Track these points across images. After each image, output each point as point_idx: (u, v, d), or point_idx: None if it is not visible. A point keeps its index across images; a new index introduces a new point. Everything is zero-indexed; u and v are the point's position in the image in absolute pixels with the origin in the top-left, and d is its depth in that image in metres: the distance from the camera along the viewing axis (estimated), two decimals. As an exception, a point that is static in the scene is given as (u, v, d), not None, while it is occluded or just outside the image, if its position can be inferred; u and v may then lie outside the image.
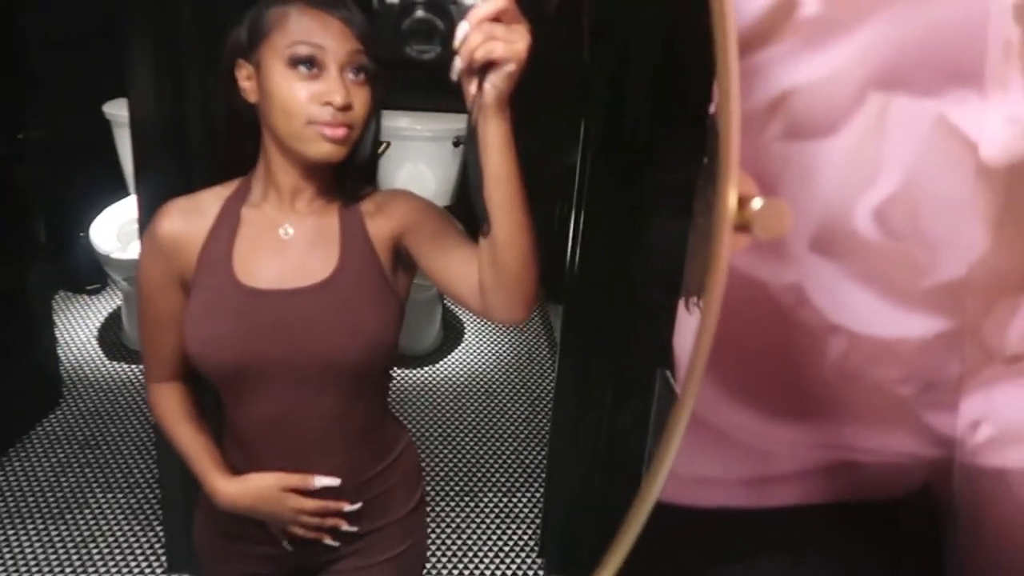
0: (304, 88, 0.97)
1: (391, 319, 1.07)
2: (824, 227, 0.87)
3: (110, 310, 3.15)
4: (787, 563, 0.99)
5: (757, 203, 0.53)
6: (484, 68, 0.82)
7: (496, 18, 0.81)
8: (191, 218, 1.07)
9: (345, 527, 1.14)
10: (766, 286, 0.88)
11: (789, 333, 0.89)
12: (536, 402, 2.83)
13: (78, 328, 3.04)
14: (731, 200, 0.52)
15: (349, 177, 1.08)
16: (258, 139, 1.05)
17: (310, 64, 0.97)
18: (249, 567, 1.18)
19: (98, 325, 3.07)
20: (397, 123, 2.84)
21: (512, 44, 0.81)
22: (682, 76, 1.31)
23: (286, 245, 1.06)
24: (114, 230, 2.74)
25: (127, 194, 2.98)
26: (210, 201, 1.09)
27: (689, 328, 0.95)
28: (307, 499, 1.10)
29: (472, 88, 0.84)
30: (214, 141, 1.72)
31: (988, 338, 0.92)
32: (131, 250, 2.66)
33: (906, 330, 0.91)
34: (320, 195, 1.07)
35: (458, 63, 0.83)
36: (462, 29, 0.82)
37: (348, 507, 1.13)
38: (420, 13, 0.85)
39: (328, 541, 1.14)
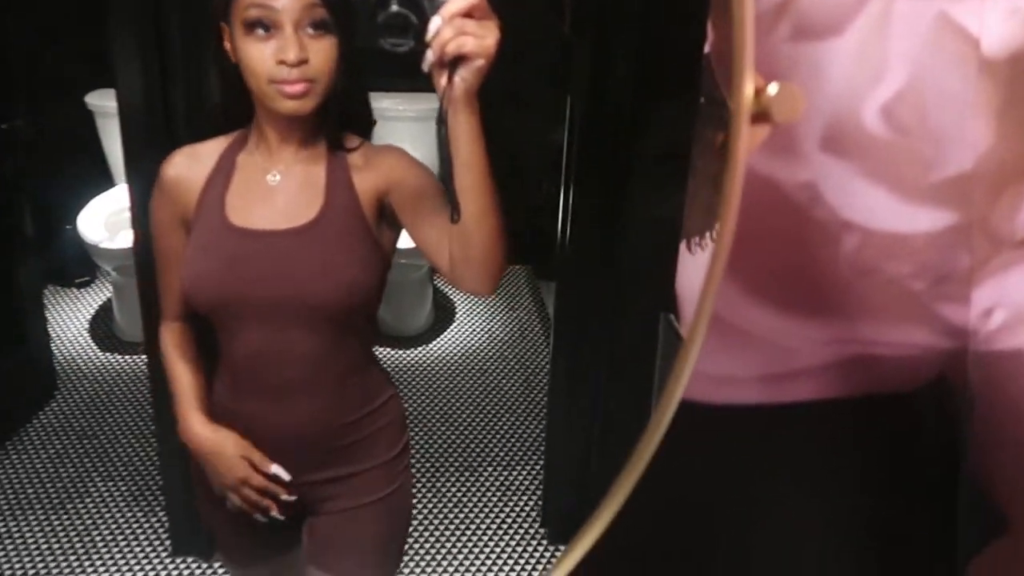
0: (262, 49, 1.03)
1: (371, 267, 1.13)
2: (834, 126, 0.90)
3: (100, 302, 3.15)
4: (806, 457, 1.02)
5: (773, 88, 0.56)
6: (455, 62, 0.87)
7: (468, 14, 0.86)
8: (192, 164, 1.16)
9: (275, 515, 1.21)
10: (780, 185, 0.91)
11: (804, 231, 0.92)
12: (531, 378, 2.86)
13: (70, 322, 3.04)
14: (748, 90, 0.55)
15: (332, 127, 1.13)
16: (248, 96, 1.10)
17: (264, 26, 1.03)
18: (245, 514, 1.23)
19: (89, 318, 3.07)
20: (380, 104, 2.81)
21: (482, 40, 0.86)
22: (669, 39, 1.33)
23: (274, 191, 1.13)
24: (102, 220, 2.74)
25: (112, 184, 2.97)
26: (210, 150, 1.17)
27: (692, 268, 0.97)
28: (256, 474, 1.18)
29: (443, 81, 0.88)
30: (201, 126, 1.72)
31: (996, 227, 0.94)
32: (119, 239, 2.65)
33: (916, 224, 0.94)
34: (307, 145, 1.13)
35: (430, 56, 0.88)
36: (435, 24, 0.86)
37: (286, 497, 1.20)
38: (394, 8, 0.89)
39: (258, 517, 1.21)
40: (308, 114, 1.07)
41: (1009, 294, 0.97)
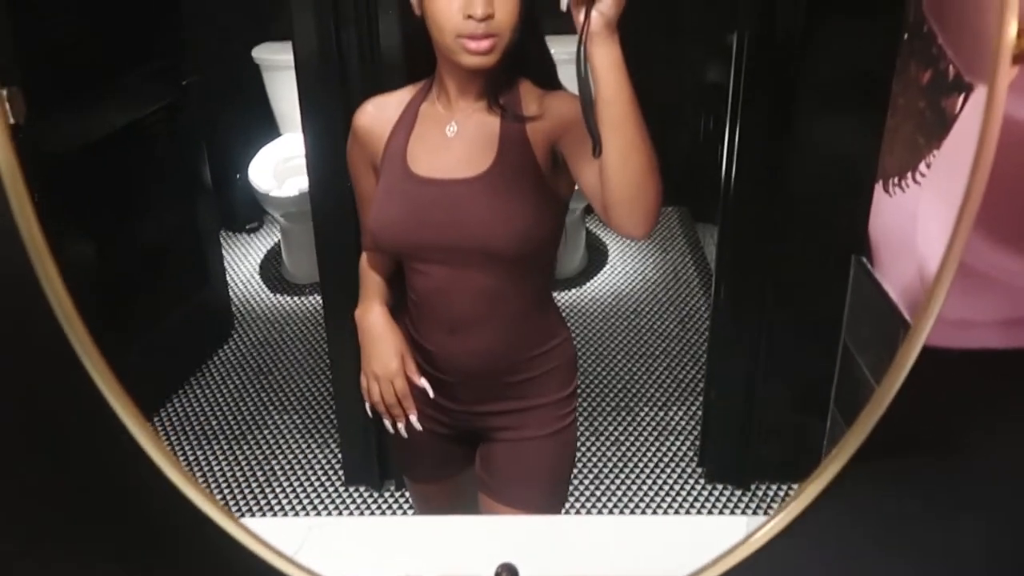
0: (450, 4, 1.06)
1: (545, 212, 1.16)
2: None
3: (269, 247, 3.32)
4: None
5: None
6: None
7: None
8: (379, 114, 1.23)
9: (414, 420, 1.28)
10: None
11: None
12: (685, 320, 2.84)
13: (241, 265, 3.22)
14: (1011, 29, 0.54)
15: (504, 79, 1.16)
16: (432, 47, 1.15)
17: None
18: (424, 421, 1.32)
19: (259, 261, 3.23)
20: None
21: None
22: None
23: (451, 141, 1.18)
24: (270, 169, 2.87)
25: (278, 135, 3.11)
26: (397, 100, 1.23)
27: (891, 210, 0.95)
28: (402, 376, 1.26)
29: (581, 16, 0.91)
30: (372, 74, 1.78)
31: None
32: (287, 187, 2.78)
33: None
34: (483, 95, 1.17)
35: None
36: None
37: (414, 419, 1.28)
38: None
39: (387, 424, 1.30)
40: (488, 67, 1.10)
41: None
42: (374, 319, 1.28)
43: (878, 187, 0.94)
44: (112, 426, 0.77)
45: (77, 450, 0.84)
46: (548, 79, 1.19)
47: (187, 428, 2.40)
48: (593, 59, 0.93)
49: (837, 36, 1.45)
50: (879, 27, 0.98)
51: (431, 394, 1.26)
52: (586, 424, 2.36)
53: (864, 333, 1.07)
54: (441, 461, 1.37)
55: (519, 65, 1.16)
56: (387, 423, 1.30)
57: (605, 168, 1.00)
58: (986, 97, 0.54)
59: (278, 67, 2.95)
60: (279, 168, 2.88)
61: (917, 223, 0.81)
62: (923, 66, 0.81)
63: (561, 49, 3.13)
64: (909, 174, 0.87)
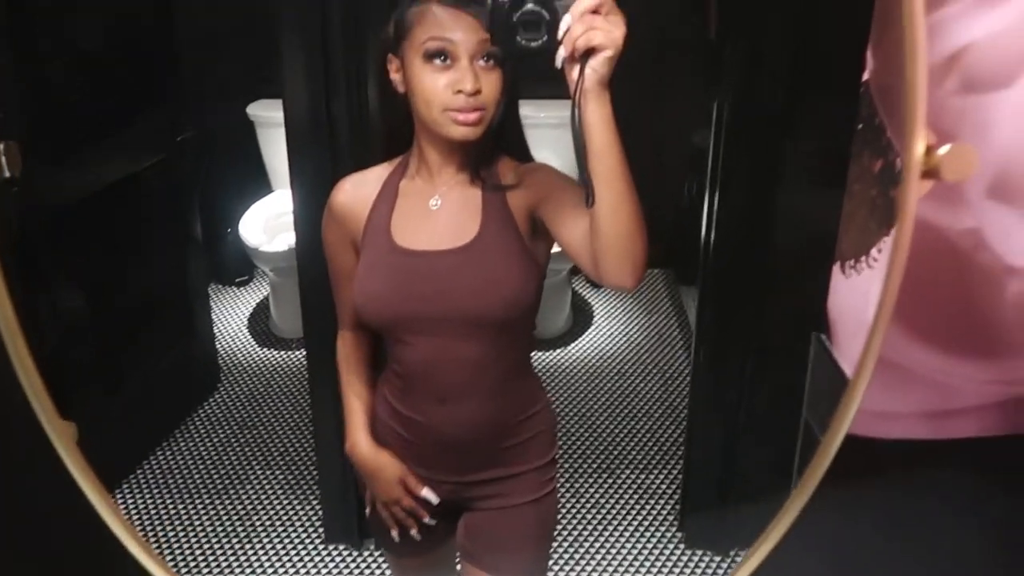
0: (439, 79, 1.09)
1: (529, 279, 1.19)
2: (1001, 175, 0.91)
3: (258, 300, 3.34)
4: (965, 492, 1.02)
5: (944, 149, 0.58)
6: (585, 55, 0.94)
7: (595, 11, 0.93)
8: (359, 191, 1.24)
9: (426, 521, 1.32)
10: (944, 232, 0.92)
11: (968, 275, 0.94)
12: (668, 382, 2.86)
13: (229, 318, 3.24)
14: (919, 148, 0.57)
15: (485, 152, 1.19)
16: (411, 123, 1.18)
17: (443, 57, 1.09)
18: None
19: (248, 315, 3.25)
20: (521, 112, 2.88)
21: (610, 32, 0.93)
22: (826, 49, 1.33)
23: (435, 214, 1.20)
24: (261, 224, 2.90)
25: (270, 190, 3.15)
26: (374, 177, 1.25)
27: (846, 291, 0.98)
28: (407, 496, 1.30)
29: (574, 74, 0.96)
30: (360, 135, 1.82)
31: None
32: (277, 242, 2.81)
33: None
34: (464, 169, 1.20)
35: (562, 52, 0.96)
36: (566, 21, 0.95)
37: (427, 519, 1.32)
38: (529, 6, 0.98)
39: (393, 534, 1.34)
40: (474, 140, 1.13)
41: None
42: (365, 452, 1.31)
43: (836, 267, 0.98)
44: (76, 499, 0.77)
45: (38, 521, 0.84)
46: (523, 153, 1.24)
47: (170, 481, 2.40)
48: (586, 114, 0.97)
49: (812, 115, 1.50)
50: (844, 113, 1.02)
51: (435, 501, 1.30)
52: (568, 485, 2.36)
53: (822, 409, 1.09)
54: (423, 536, 1.37)
55: (497, 139, 1.20)
56: (394, 533, 1.34)
57: (596, 219, 1.04)
58: (898, 209, 0.57)
59: (272, 124, 3.00)
60: (270, 223, 2.91)
61: (869, 306, 0.85)
62: (875, 156, 0.85)
63: (548, 113, 3.17)
64: (863, 258, 0.91)
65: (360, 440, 1.32)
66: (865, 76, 0.90)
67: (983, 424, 1.00)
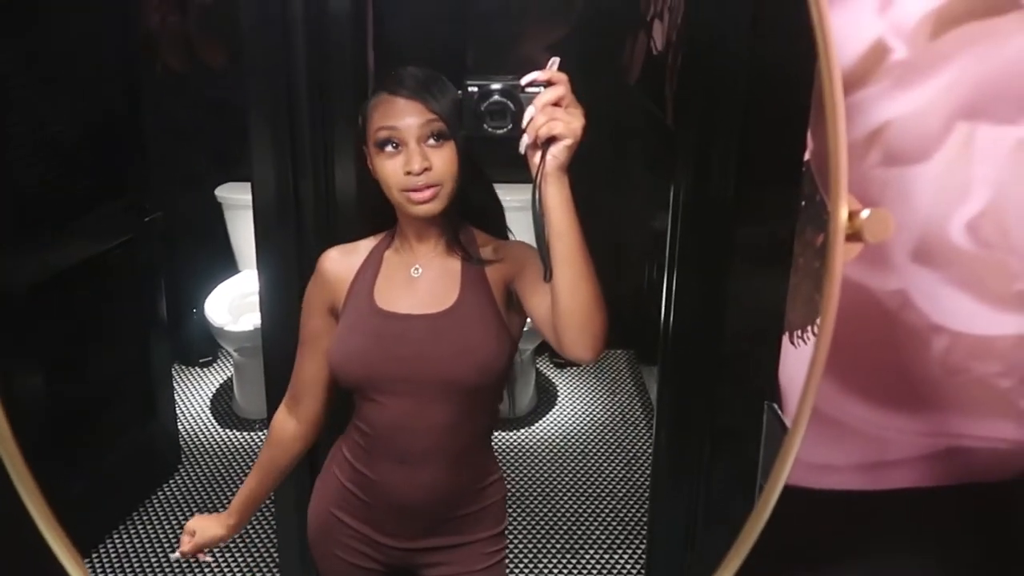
0: (392, 164, 1.18)
1: (502, 347, 1.24)
2: (923, 240, 0.98)
3: (221, 381, 3.32)
4: (902, 542, 1.05)
5: (865, 213, 0.64)
6: (547, 143, 1.02)
7: (556, 103, 1.02)
8: (344, 259, 1.32)
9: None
10: (874, 292, 0.99)
11: (896, 333, 1.00)
12: (632, 462, 2.87)
13: (192, 398, 3.21)
14: (843, 214, 0.62)
15: (454, 224, 1.26)
16: (390, 203, 1.25)
17: (393, 144, 1.18)
18: (349, 557, 1.36)
19: (211, 395, 3.24)
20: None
21: (570, 123, 1.01)
22: (770, 136, 1.40)
23: (416, 281, 1.27)
24: (226, 304, 2.92)
25: (236, 271, 3.17)
26: (362, 247, 1.32)
27: (794, 360, 1.03)
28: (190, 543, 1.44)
29: (536, 159, 1.03)
30: (326, 218, 1.86)
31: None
32: (242, 322, 2.82)
33: (1002, 328, 1.01)
34: (442, 241, 1.27)
35: (525, 139, 1.04)
36: (529, 112, 1.03)
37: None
38: (496, 97, 1.06)
39: None
40: (438, 215, 1.20)
41: None
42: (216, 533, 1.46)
43: (785, 338, 1.03)
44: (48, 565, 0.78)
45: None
46: (498, 228, 1.30)
47: (126, 565, 2.35)
48: (546, 197, 1.03)
49: (759, 196, 1.57)
50: (790, 194, 1.08)
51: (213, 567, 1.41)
52: (532, 565, 2.35)
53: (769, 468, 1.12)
54: None
55: (469, 214, 1.27)
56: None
57: (556, 296, 1.09)
58: (825, 271, 0.62)
59: (239, 206, 3.04)
60: (235, 303, 2.93)
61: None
62: (817, 230, 0.92)
63: (513, 197, 3.26)
64: (809, 327, 0.97)
65: (216, 518, 1.44)
66: (807, 156, 0.98)
67: (917, 475, 1.05)
